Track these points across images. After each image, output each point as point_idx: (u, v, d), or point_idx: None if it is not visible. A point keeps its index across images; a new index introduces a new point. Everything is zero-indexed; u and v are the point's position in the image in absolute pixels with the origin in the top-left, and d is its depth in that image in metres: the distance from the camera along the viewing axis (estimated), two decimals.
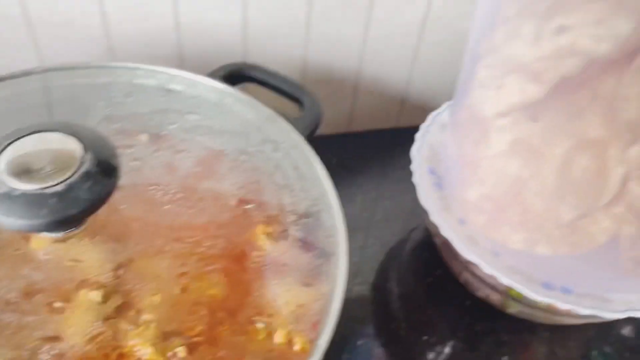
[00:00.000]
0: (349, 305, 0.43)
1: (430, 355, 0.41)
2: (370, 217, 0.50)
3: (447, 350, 0.41)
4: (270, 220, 0.29)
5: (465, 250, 0.36)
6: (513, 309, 0.41)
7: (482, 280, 0.40)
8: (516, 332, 0.43)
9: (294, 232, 0.29)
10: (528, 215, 0.34)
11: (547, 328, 0.44)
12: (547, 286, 0.35)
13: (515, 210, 0.35)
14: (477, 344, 0.42)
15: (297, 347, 0.26)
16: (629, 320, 0.45)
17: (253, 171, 0.31)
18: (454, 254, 0.40)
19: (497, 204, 0.36)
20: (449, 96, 0.42)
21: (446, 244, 0.40)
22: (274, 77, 0.41)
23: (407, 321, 0.43)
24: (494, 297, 0.41)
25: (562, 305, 0.34)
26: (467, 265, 0.40)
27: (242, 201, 0.29)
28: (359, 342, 0.41)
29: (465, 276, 0.42)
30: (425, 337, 0.42)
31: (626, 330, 0.45)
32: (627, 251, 0.32)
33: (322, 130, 0.58)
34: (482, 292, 0.41)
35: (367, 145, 0.57)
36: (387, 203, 0.51)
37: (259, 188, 0.30)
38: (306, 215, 0.30)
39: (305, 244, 0.29)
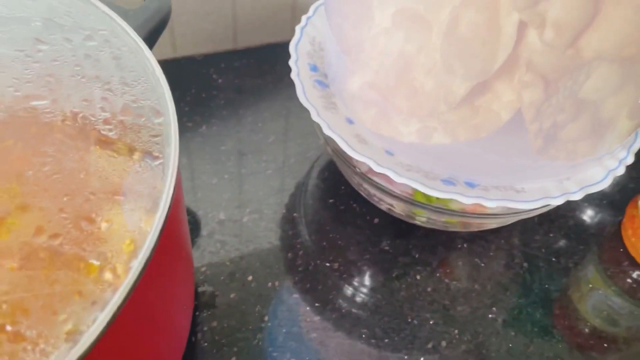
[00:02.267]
0: (250, 238, 0.37)
1: (340, 283, 0.35)
2: (264, 139, 0.43)
3: (357, 276, 0.36)
4: (65, 120, 0.22)
5: (351, 150, 0.30)
6: (421, 217, 0.35)
7: (382, 189, 0.34)
8: (429, 247, 0.38)
9: (103, 135, 0.22)
10: (418, 98, 0.28)
11: (464, 238, 0.39)
12: (449, 182, 0.30)
13: (404, 94, 0.29)
14: (388, 265, 0.37)
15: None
16: (555, 222, 0.41)
17: (51, 62, 0.24)
18: (348, 161, 0.34)
19: (384, 91, 0.30)
20: None
21: (338, 151, 0.34)
22: None
23: (314, 250, 0.37)
24: (399, 208, 0.35)
25: (465, 199, 0.29)
26: (363, 173, 0.34)
27: (29, 97, 0.22)
28: (269, 284, 0.35)
29: (366, 188, 0.36)
30: (334, 265, 0.36)
31: (553, 233, 0.40)
32: (533, 123, 0.26)
33: (205, 48, 0.51)
34: (385, 203, 0.36)
35: (259, 62, 0.50)
36: (281, 123, 0.45)
37: (55, 82, 0.23)
38: (124, 113, 0.23)
39: (106, 144, 0.22)
